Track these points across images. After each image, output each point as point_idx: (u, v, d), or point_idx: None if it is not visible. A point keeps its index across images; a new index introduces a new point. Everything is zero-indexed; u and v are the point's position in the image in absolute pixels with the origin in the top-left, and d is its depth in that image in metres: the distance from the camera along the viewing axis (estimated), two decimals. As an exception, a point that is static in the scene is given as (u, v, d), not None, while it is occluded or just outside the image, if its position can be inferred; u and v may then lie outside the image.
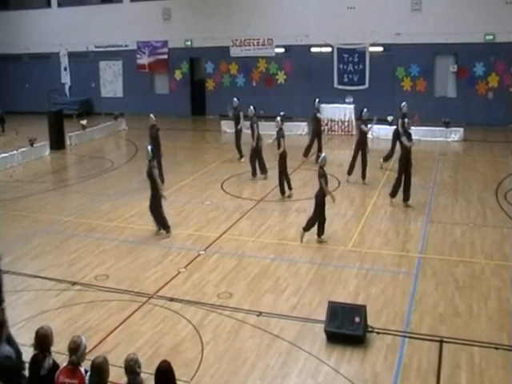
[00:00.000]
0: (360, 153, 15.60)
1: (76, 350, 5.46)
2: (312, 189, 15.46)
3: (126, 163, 19.68)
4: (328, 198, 11.75)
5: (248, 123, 17.38)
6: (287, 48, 25.74)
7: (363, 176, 15.64)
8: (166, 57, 28.02)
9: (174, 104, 27.55)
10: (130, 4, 28.38)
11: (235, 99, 18.86)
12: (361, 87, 24.70)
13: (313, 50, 25.34)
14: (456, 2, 22.87)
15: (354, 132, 22.24)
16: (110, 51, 28.94)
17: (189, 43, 27.44)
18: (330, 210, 13.66)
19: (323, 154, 12.17)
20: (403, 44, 23.55)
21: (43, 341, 5.61)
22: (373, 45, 24.23)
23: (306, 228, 11.71)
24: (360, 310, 8.19)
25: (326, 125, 22.59)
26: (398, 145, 15.92)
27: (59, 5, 29.95)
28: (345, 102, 23.15)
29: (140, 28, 27.91)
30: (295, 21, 24.95)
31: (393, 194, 13.78)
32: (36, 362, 5.64)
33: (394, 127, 17.10)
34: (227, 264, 10.87)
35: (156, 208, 12.33)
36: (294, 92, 25.04)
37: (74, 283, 10.24)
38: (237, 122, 18.48)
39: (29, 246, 12.07)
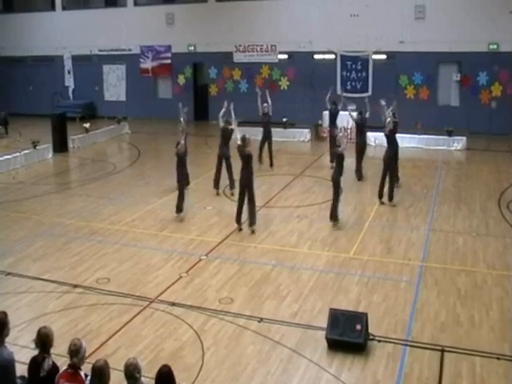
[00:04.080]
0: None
1: (76, 352, 5.46)
2: (314, 194, 15.60)
3: (129, 167, 19.71)
4: None
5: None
6: (290, 54, 25.76)
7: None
8: (169, 61, 28.07)
9: (177, 109, 27.50)
10: (134, 8, 28.47)
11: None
12: (364, 95, 24.60)
13: (316, 56, 25.36)
14: (460, 10, 22.91)
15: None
16: (114, 55, 29.01)
17: (192, 48, 27.49)
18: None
19: None
20: (406, 52, 23.57)
21: (45, 340, 5.61)
22: (376, 52, 24.25)
23: None
24: (361, 318, 8.17)
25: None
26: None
27: (63, 8, 30.03)
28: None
29: (143, 32, 27.97)
30: (298, 27, 24.99)
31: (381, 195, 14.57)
32: (35, 363, 5.64)
33: None
34: (229, 269, 10.86)
35: None
36: (297, 98, 25.07)
37: (76, 286, 10.23)
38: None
39: (31, 248, 12.07)
